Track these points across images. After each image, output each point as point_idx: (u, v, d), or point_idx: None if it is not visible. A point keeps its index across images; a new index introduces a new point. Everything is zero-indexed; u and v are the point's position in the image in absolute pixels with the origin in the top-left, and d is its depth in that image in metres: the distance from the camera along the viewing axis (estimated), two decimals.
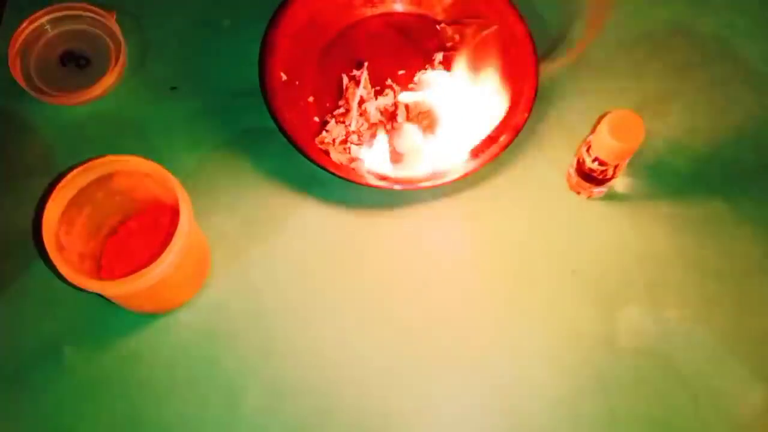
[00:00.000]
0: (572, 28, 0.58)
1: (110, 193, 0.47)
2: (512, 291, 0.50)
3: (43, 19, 0.57)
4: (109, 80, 0.55)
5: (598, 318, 0.49)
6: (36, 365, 0.48)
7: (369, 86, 0.55)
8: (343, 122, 0.54)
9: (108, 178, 0.45)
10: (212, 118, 0.56)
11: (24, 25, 0.56)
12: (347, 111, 0.55)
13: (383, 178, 0.52)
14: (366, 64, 0.56)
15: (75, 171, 0.44)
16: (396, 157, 0.53)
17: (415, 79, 0.56)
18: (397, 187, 0.51)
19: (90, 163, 0.44)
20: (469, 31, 0.57)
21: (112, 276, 0.49)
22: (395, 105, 0.55)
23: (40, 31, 0.57)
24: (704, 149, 0.54)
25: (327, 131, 0.54)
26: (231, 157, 0.54)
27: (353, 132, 0.54)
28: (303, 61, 0.56)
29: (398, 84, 0.56)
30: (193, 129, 0.55)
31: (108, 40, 0.58)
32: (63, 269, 0.42)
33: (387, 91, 0.55)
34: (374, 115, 0.54)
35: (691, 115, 0.55)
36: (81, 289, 0.42)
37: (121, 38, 0.56)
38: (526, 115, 0.52)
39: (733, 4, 0.60)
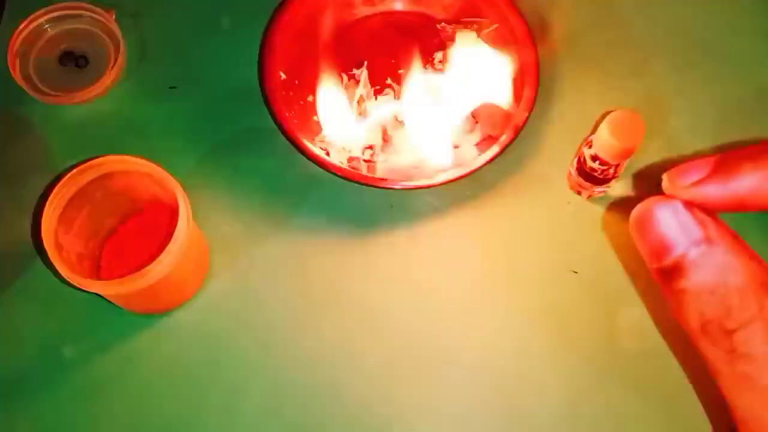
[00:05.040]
0: (573, 28, 0.58)
1: (109, 193, 0.47)
2: (512, 291, 0.50)
3: (42, 19, 0.57)
4: (108, 80, 0.55)
5: (598, 318, 0.49)
6: (35, 365, 0.48)
7: (369, 85, 0.55)
8: None
9: (107, 178, 0.45)
10: (211, 117, 0.56)
11: (23, 24, 0.56)
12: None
13: (383, 178, 0.52)
14: (366, 63, 0.56)
15: (74, 171, 0.44)
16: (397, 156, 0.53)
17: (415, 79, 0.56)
18: (397, 186, 0.51)
19: (89, 163, 0.44)
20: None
21: (112, 276, 0.49)
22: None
23: (39, 31, 0.57)
24: (705, 149, 0.54)
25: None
26: (230, 157, 0.54)
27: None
28: (303, 60, 0.56)
29: (398, 83, 0.56)
30: (193, 128, 0.55)
31: (107, 39, 0.58)
32: (62, 269, 0.41)
33: (387, 90, 0.55)
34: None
35: (692, 114, 0.55)
36: (80, 290, 0.42)
37: (120, 38, 0.56)
38: (527, 114, 0.52)
39: (734, 3, 0.59)
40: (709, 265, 0.23)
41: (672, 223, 0.25)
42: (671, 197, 0.25)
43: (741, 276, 0.23)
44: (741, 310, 0.22)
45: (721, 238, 0.24)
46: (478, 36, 0.56)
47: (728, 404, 0.23)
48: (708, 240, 0.24)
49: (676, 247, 0.24)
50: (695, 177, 0.25)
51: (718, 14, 0.59)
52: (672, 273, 0.24)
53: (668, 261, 0.24)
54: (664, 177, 0.26)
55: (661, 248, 0.25)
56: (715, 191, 0.24)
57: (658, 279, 0.25)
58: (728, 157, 0.25)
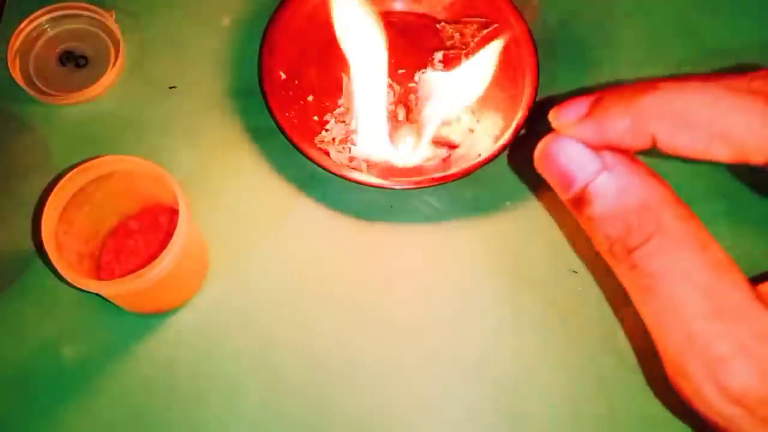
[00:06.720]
0: (572, 28, 0.58)
1: (109, 193, 0.47)
2: (512, 291, 0.50)
3: (42, 19, 0.57)
4: (108, 80, 0.55)
5: (598, 318, 0.49)
6: (35, 365, 0.48)
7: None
8: (344, 121, 0.54)
9: (107, 177, 0.45)
10: (211, 117, 0.56)
11: (23, 24, 0.56)
12: (347, 110, 0.55)
13: (383, 178, 0.51)
14: None
15: (74, 171, 0.44)
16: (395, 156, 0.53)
17: (415, 78, 0.56)
18: (397, 186, 0.51)
19: (89, 163, 0.44)
20: (469, 30, 0.57)
21: (112, 276, 0.49)
22: (396, 103, 0.55)
23: (39, 31, 0.57)
24: None
25: (327, 130, 0.54)
26: (230, 157, 0.54)
27: (353, 131, 0.54)
28: (302, 60, 0.56)
29: (398, 83, 0.56)
30: (192, 128, 0.55)
31: (107, 39, 0.58)
32: (62, 269, 0.41)
33: (387, 90, 0.55)
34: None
35: None
36: (80, 289, 0.42)
37: (120, 37, 0.56)
38: (527, 114, 0.52)
39: (734, 3, 0.59)
40: (610, 191, 0.25)
41: (570, 156, 0.26)
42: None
43: (639, 196, 0.24)
44: (640, 228, 0.24)
45: (618, 163, 0.25)
46: (477, 36, 0.56)
47: (640, 316, 0.25)
48: (605, 167, 0.25)
49: (577, 178, 0.25)
50: (575, 116, 0.26)
51: (717, 15, 0.59)
52: (579, 203, 0.26)
53: (573, 192, 0.26)
54: (550, 114, 0.27)
55: (564, 181, 0.26)
56: (590, 132, 0.25)
57: (571, 210, 0.26)
58: (604, 97, 0.26)
